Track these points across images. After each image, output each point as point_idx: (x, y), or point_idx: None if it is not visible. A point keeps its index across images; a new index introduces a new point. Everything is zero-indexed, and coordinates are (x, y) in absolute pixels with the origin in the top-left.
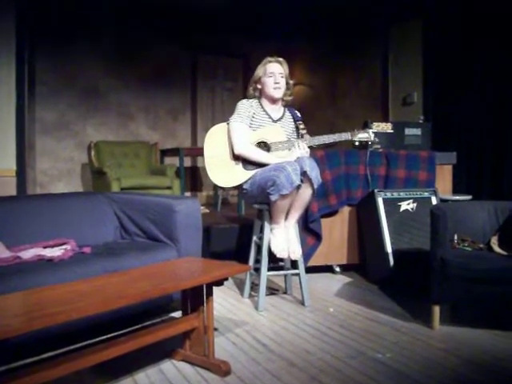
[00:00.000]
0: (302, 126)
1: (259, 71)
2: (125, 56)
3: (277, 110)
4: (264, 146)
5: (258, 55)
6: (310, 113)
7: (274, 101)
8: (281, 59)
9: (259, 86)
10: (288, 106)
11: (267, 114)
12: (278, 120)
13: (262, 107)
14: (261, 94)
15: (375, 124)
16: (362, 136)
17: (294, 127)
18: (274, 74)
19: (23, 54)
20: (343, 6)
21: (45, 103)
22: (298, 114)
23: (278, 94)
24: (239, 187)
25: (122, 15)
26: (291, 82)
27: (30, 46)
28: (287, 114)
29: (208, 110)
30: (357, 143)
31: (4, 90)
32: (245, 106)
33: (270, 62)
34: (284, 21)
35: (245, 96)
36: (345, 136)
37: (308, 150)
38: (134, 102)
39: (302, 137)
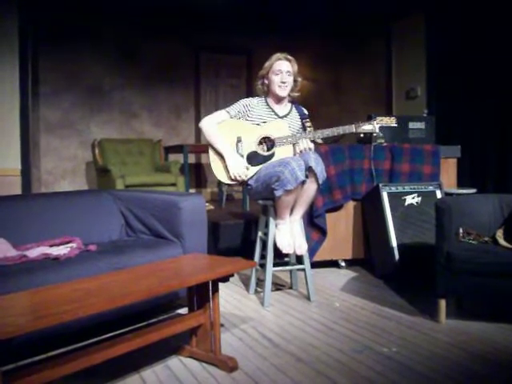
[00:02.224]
0: (308, 124)
1: (267, 67)
2: (128, 54)
3: (283, 107)
4: (268, 141)
5: (261, 52)
6: (314, 108)
7: (279, 99)
8: (290, 57)
9: (266, 82)
10: (295, 103)
11: (273, 110)
12: (283, 116)
13: (268, 104)
14: (267, 90)
15: (379, 118)
16: (366, 128)
17: (300, 124)
18: (282, 72)
19: (26, 54)
20: (346, 1)
21: (48, 102)
22: (305, 112)
23: (283, 92)
24: (244, 183)
25: (125, 13)
26: (299, 79)
27: (32, 45)
28: (294, 111)
29: (211, 107)
30: (361, 135)
31: (8, 89)
32: (240, 103)
33: (279, 59)
34: (287, 17)
35: (248, 92)
36: (349, 129)
37: (312, 145)
38: (138, 100)
39: (305, 130)
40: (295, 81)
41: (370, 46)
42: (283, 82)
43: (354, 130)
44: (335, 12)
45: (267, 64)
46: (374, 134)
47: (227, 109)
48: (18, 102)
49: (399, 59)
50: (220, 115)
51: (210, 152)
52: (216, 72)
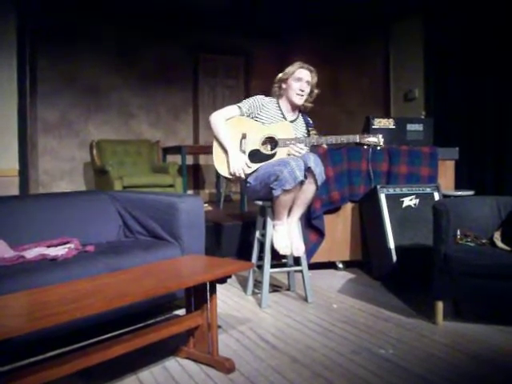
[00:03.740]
0: (313, 132)
1: (288, 72)
2: (126, 55)
3: (292, 113)
4: (272, 141)
5: (259, 53)
6: (311, 109)
7: (293, 105)
8: (312, 68)
9: (284, 86)
10: (302, 112)
11: (282, 113)
12: (291, 122)
13: (279, 106)
14: (282, 94)
15: (377, 120)
16: (370, 140)
17: (305, 132)
18: (302, 80)
19: (25, 54)
20: (344, 2)
21: (46, 103)
22: (311, 121)
23: (300, 101)
24: (243, 179)
25: (123, 14)
26: (316, 91)
27: (31, 45)
28: (300, 118)
29: (209, 108)
30: (365, 147)
31: (6, 89)
32: (254, 100)
33: (302, 67)
34: (285, 18)
35: (246, 93)
36: (353, 138)
37: (305, 149)
38: (136, 101)
39: (309, 135)
40: (311, 91)
41: (368, 48)
42: (302, 91)
43: (358, 140)
44: (333, 13)
45: (289, 69)
46: (378, 148)
47: (239, 104)
48: (15, 101)
49: (397, 61)
50: (231, 111)
51: (214, 144)
52: (214, 73)
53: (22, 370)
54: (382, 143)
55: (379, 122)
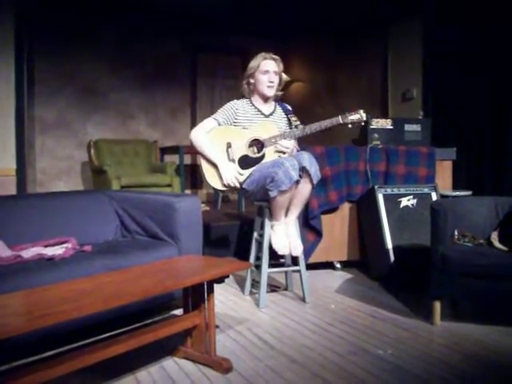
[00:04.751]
0: (294, 119)
1: (253, 66)
2: (124, 54)
3: (268, 106)
4: (258, 143)
5: (258, 53)
6: (309, 109)
7: (265, 98)
8: (276, 57)
9: (252, 81)
10: (278, 100)
11: (258, 110)
12: (269, 115)
13: (253, 104)
14: (252, 90)
15: (375, 120)
16: (353, 118)
17: (286, 121)
18: (269, 72)
19: (22, 54)
20: (343, 2)
21: (44, 102)
22: (289, 107)
23: (271, 92)
24: (238, 188)
25: (122, 14)
26: (283, 78)
27: (29, 45)
28: (278, 108)
29: (207, 108)
30: (350, 126)
31: (3, 89)
32: (227, 107)
33: (266, 58)
34: (283, 18)
35: (244, 94)
36: (336, 120)
37: (292, 144)
38: (134, 101)
39: (296, 127)
40: (280, 79)
41: (366, 48)
42: (271, 82)
43: (341, 121)
44: (332, 13)
45: (254, 64)
46: (362, 124)
47: (214, 116)
48: (13, 101)
49: (395, 61)
50: (208, 124)
51: (202, 161)
52: (212, 73)
53: (20, 370)
54: (364, 118)
55: (377, 122)
